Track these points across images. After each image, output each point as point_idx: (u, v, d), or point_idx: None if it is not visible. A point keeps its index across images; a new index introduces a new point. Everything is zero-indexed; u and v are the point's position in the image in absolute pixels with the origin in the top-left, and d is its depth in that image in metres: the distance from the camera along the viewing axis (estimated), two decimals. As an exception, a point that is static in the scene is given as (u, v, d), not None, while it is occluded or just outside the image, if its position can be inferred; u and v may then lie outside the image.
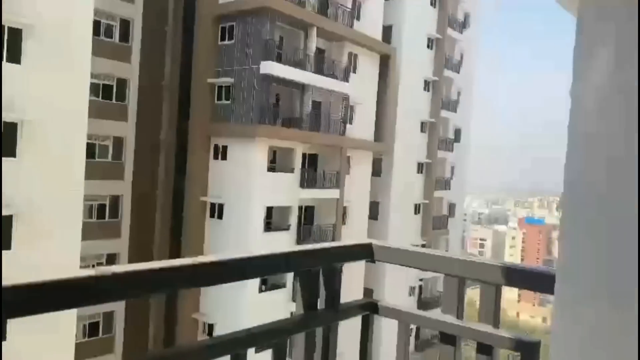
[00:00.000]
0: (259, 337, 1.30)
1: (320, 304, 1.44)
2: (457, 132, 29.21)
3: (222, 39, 18.23)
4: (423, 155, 26.08)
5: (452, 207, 29.42)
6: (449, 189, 28.40)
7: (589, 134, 1.05)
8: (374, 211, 24.06)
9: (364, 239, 1.59)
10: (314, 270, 1.43)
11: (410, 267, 1.58)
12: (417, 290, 26.10)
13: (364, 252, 1.57)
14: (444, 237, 28.47)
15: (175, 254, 18.58)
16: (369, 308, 1.56)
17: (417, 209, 26.41)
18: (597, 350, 0.95)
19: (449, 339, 1.44)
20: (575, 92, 1.10)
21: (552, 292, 1.11)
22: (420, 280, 26.06)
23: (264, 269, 1.41)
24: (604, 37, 1.01)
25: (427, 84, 25.85)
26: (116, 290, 1.02)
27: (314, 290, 1.43)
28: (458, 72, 27.78)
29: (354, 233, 21.07)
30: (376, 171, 23.80)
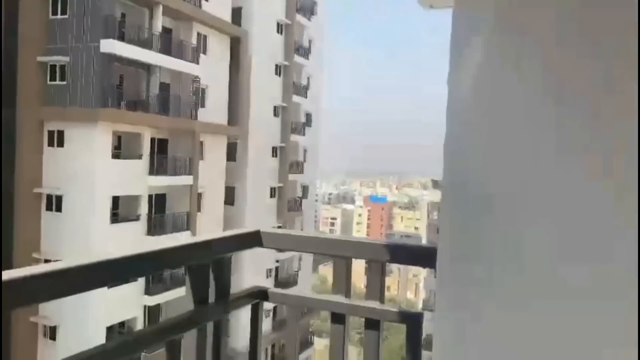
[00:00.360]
0: (151, 337, 1.21)
1: (211, 296, 1.40)
2: (308, 117, 30.18)
3: (54, 12, 16.31)
4: (277, 139, 26.47)
5: (305, 189, 30.42)
6: (302, 173, 29.29)
7: (465, 120, 1.15)
8: (230, 196, 23.87)
9: (251, 227, 1.57)
10: (204, 263, 1.37)
11: (298, 251, 1.60)
12: (273, 272, 26.64)
13: (252, 240, 1.55)
14: (298, 218, 29.37)
15: (5, 253, 16.41)
16: (259, 296, 1.55)
17: (272, 192, 26.80)
18: (474, 323, 1.07)
19: (338, 317, 1.49)
20: (452, 81, 1.20)
21: (433, 267, 1.21)
22: (277, 261, 26.64)
23: (153, 266, 1.31)
24: (478, 28, 1.11)
25: (278, 69, 26.17)
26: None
27: (204, 284, 1.38)
28: (307, 58, 28.57)
29: (210, 220, 20.67)
30: (231, 156, 23.57)
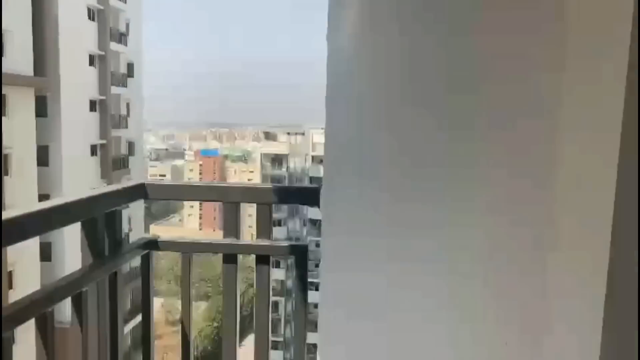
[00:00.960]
0: (55, 294, 1.19)
1: (106, 250, 1.40)
2: (130, 67, 27.97)
3: None
4: (95, 91, 24.15)
5: (131, 145, 28.54)
6: (127, 127, 27.36)
7: (342, 73, 1.33)
8: (44, 157, 21.33)
9: (137, 180, 1.57)
10: (95, 217, 1.36)
11: (186, 200, 1.65)
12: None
13: (138, 192, 1.56)
14: (126, 176, 27.61)
15: None
16: (150, 246, 1.58)
17: (93, 150, 24.64)
18: (354, 248, 1.30)
19: (231, 258, 1.61)
20: (331, 38, 1.36)
21: (318, 205, 1.40)
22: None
23: (48, 224, 1.26)
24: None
25: (91, 12, 23.55)
26: None
27: (98, 238, 1.37)
28: (125, 2, 26.19)
29: (21, 185, 18.34)
30: (42, 111, 20.91)
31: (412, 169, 1.02)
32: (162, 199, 1.58)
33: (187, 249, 1.61)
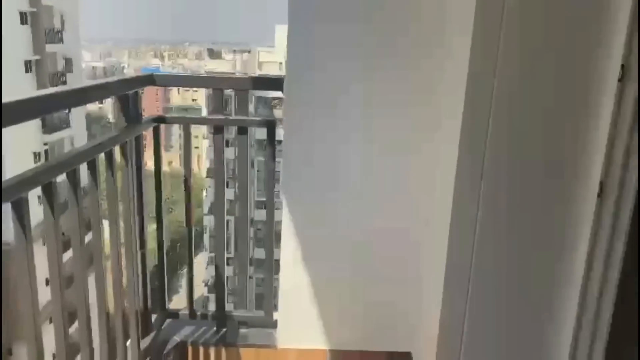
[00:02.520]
0: (89, 151, 1.70)
1: (130, 120, 1.96)
2: (62, -24, 26.08)
3: None
4: (25, 2, 22.63)
5: (68, 62, 27.29)
6: (62, 42, 26.03)
7: None
8: (-24, 72, 20.22)
9: (143, 73, 2.11)
10: (127, 94, 1.92)
11: (187, 87, 2.21)
12: (42, 156, 24.47)
13: (145, 80, 2.09)
14: (65, 95, 26.60)
15: None
16: (159, 120, 2.16)
17: (28, 66, 23.51)
18: (316, 130, 1.94)
19: (219, 129, 2.21)
20: None
21: (282, 89, 2.01)
22: (45, 144, 24.42)
23: (83, 99, 1.75)
24: None
25: None
26: None
27: (127, 109, 1.93)
28: None
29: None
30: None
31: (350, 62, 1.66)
32: (168, 85, 2.11)
33: (186, 122, 2.21)
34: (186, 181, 2.25)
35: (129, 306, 1.94)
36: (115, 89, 1.88)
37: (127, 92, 1.94)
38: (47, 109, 1.60)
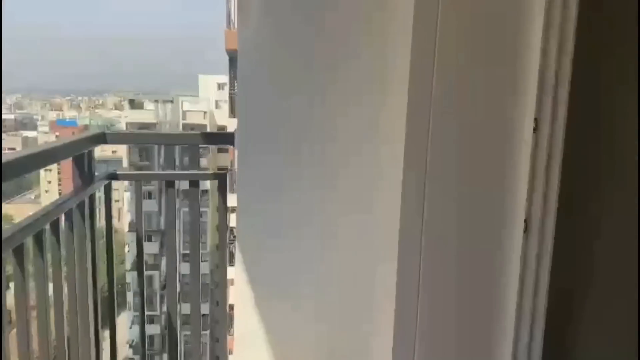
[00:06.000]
0: (40, 221, 1.71)
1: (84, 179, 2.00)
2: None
3: None
4: None
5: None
6: (-31, 94, 24.51)
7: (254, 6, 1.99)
8: None
9: (96, 132, 2.16)
10: (83, 153, 1.96)
11: (139, 144, 2.27)
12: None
13: (97, 138, 2.13)
14: (-29, 150, 24.91)
15: None
16: (112, 177, 2.20)
17: None
18: (272, 180, 2.05)
19: (170, 184, 2.28)
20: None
21: (233, 144, 2.12)
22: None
23: (37, 163, 1.77)
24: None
25: None
26: None
27: (81, 169, 1.97)
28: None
29: None
30: None
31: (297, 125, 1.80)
32: (120, 143, 2.16)
33: (139, 178, 2.26)
34: (139, 241, 2.28)
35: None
36: (70, 150, 1.92)
37: (81, 151, 1.99)
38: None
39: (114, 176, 2.20)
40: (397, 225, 1.75)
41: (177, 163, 2.58)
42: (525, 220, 1.49)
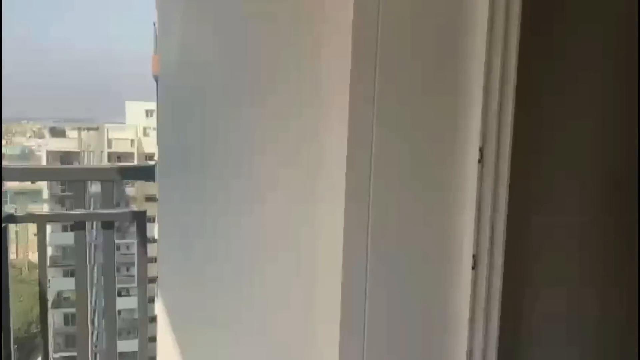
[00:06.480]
0: None
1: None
2: None
3: None
4: None
5: None
6: None
7: (175, 32, 1.82)
8: None
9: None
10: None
11: (41, 180, 1.99)
12: None
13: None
14: None
15: None
16: (7, 219, 1.90)
17: None
18: (193, 219, 1.86)
19: (79, 225, 2.01)
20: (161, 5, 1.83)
21: (153, 179, 1.93)
22: None
23: None
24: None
25: None
26: None
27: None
28: None
29: None
30: None
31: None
32: (20, 180, 1.88)
33: (42, 220, 1.96)
34: (40, 284, 1.99)
35: None
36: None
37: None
38: None
39: (11, 219, 1.91)
40: (337, 259, 1.60)
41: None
42: (474, 256, 1.40)
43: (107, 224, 2.04)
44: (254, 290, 1.87)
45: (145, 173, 2.05)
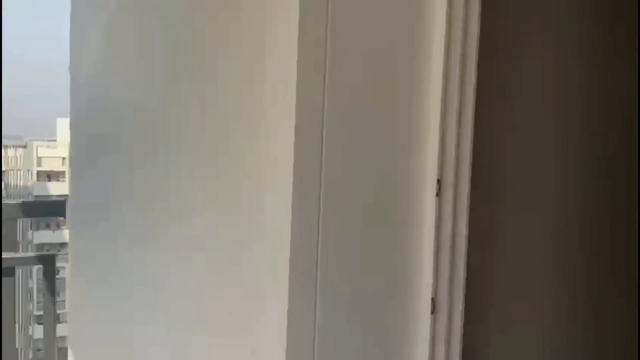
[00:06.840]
0: None
1: None
2: None
3: None
4: None
5: None
6: None
7: (89, 73, 1.59)
8: None
9: None
10: None
11: None
12: None
13: None
14: None
15: None
16: None
17: None
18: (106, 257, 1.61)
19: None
20: (75, 38, 1.59)
21: (64, 215, 1.67)
22: None
23: None
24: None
25: None
26: None
27: None
28: None
29: None
30: None
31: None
32: None
33: None
34: None
35: None
36: None
37: None
38: None
39: None
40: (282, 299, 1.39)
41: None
42: (433, 299, 1.24)
43: (8, 271, 1.74)
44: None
45: (54, 209, 1.78)
